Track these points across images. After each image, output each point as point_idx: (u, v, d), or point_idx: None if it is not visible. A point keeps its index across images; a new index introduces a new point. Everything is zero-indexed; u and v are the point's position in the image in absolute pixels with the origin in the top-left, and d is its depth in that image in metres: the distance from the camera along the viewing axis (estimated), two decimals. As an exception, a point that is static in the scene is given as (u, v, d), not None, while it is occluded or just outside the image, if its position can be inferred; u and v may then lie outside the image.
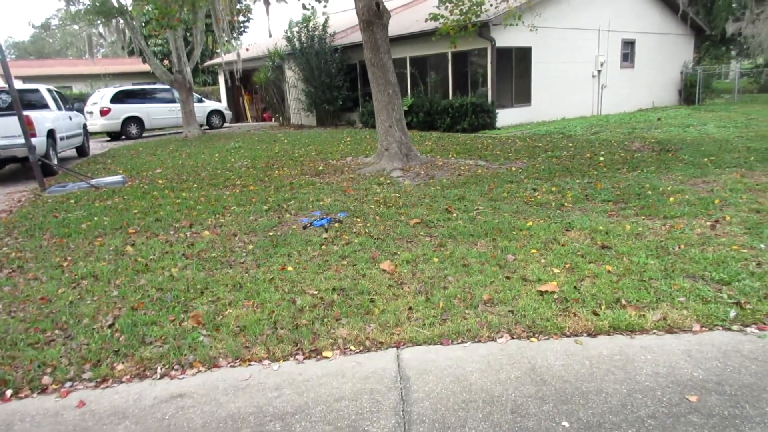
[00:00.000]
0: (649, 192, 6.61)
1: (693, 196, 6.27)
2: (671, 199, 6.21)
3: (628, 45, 20.27)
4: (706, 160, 8.61)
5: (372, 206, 6.60)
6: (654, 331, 3.24)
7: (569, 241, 4.87)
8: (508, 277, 4.07)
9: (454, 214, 6.00)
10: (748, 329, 3.20)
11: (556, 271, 4.15)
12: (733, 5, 25.14)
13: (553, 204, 6.28)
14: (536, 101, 17.33)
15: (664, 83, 22.14)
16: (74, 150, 15.31)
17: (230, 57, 23.42)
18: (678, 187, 6.80)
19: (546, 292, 3.75)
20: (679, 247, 4.54)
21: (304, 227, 5.57)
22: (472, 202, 6.52)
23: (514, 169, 8.70)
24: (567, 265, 4.25)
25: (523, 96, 17.15)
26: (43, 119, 11.74)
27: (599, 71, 19.05)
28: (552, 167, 8.64)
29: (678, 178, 7.45)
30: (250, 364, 3.11)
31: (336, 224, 5.62)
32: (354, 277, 4.28)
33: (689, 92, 22.55)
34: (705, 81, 22.64)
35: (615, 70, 19.77)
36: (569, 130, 14.29)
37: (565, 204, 6.27)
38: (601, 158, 9.32)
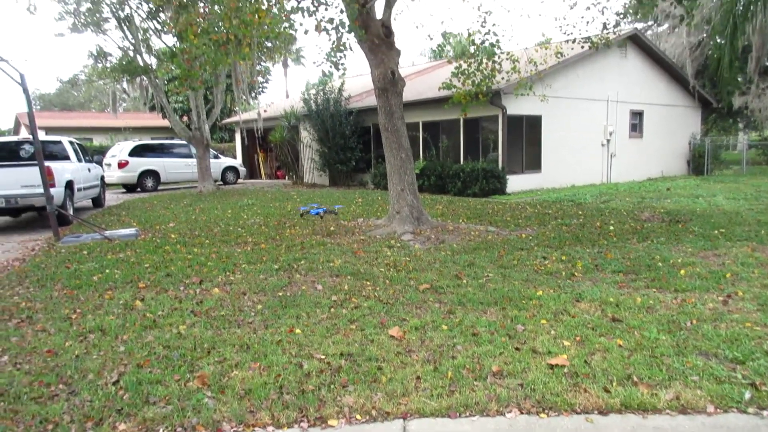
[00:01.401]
0: (660, 264, 6.59)
1: (704, 269, 6.24)
2: (682, 271, 6.18)
3: (637, 115, 20.69)
4: (716, 232, 8.60)
5: (382, 269, 6.61)
6: (667, 410, 3.16)
7: (579, 312, 4.84)
8: (517, 348, 4.03)
9: (464, 281, 6.00)
10: (765, 412, 3.12)
11: (566, 343, 4.10)
12: (739, 79, 25.75)
13: (563, 273, 6.27)
14: (546, 168, 17.56)
15: (672, 153, 22.42)
16: (90, 201, 15.59)
17: (248, 116, 24.11)
18: (689, 260, 6.77)
19: (556, 365, 3.70)
20: (691, 323, 4.49)
21: (302, 215, 5.58)
22: (482, 269, 6.53)
23: (524, 236, 8.73)
24: (577, 338, 4.20)
25: (533, 162, 17.41)
26: (63, 170, 12.04)
27: (608, 140, 19.37)
28: (562, 235, 8.67)
29: (688, 250, 7.43)
30: (253, 430, 3.06)
31: (331, 214, 5.61)
32: (362, 342, 4.25)
33: (698, 162, 22.78)
34: (713, 152, 22.91)
35: (624, 140, 20.10)
36: (579, 198, 14.39)
37: (575, 274, 6.25)
38: (611, 227, 9.34)
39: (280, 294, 5.65)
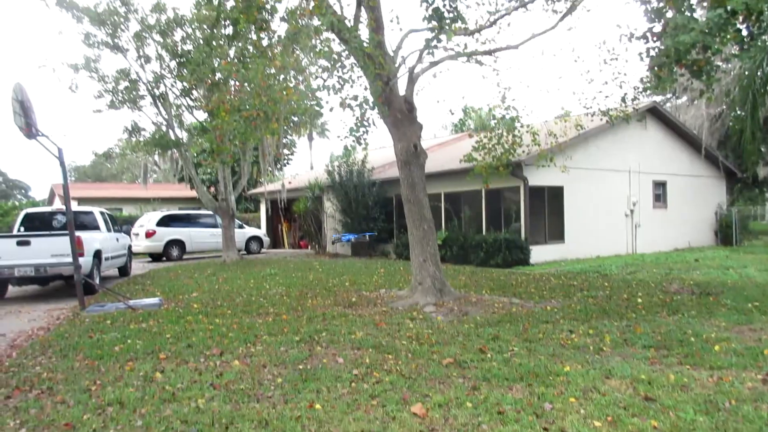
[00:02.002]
0: (692, 339, 6.36)
1: (739, 345, 5.99)
2: (717, 347, 5.94)
3: (660, 186, 20.62)
4: (750, 305, 8.32)
5: (404, 342, 6.50)
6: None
7: (610, 390, 4.65)
8: (546, 429, 3.85)
9: (489, 355, 5.84)
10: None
11: (597, 424, 3.92)
12: (762, 149, 25.65)
13: (591, 348, 6.07)
14: (570, 238, 17.42)
15: (699, 223, 22.11)
16: (117, 269, 15.83)
17: (273, 187, 24.66)
18: (723, 335, 6.52)
19: (587, 447, 3.52)
20: (730, 403, 4.27)
21: (333, 242, 5.50)
22: (507, 342, 6.37)
23: (549, 308, 8.56)
24: (609, 418, 4.02)
25: (556, 233, 17.30)
26: (92, 240, 12.34)
27: (632, 210, 19.25)
28: (588, 308, 8.47)
29: (722, 324, 7.18)
30: None
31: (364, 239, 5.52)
32: (384, 419, 4.12)
33: (726, 233, 22.37)
34: (741, 222, 22.53)
35: (648, 210, 19.95)
36: (604, 269, 14.15)
37: (604, 348, 6.06)
38: (639, 300, 9.11)
39: (301, 367, 5.56)
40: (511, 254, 15.67)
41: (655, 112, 20.28)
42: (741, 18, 5.79)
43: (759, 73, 10.16)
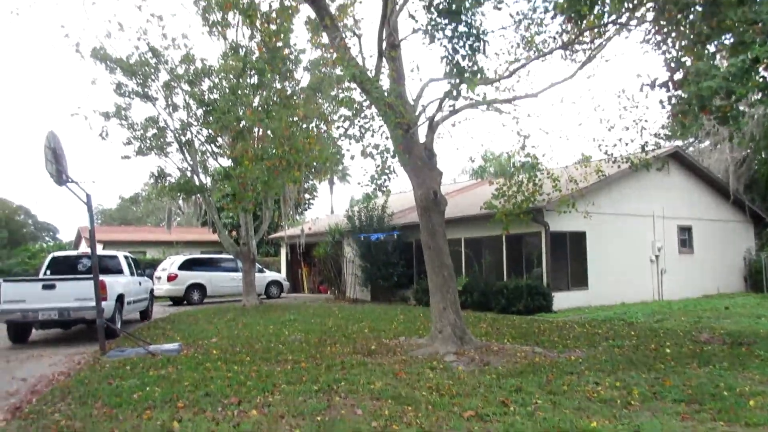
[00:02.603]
0: (726, 392, 6.11)
1: (776, 401, 5.73)
2: (751, 402, 5.69)
3: (685, 231, 20.27)
4: (785, 358, 8.00)
5: (424, 393, 6.35)
6: None
7: (640, 448, 4.46)
8: (573, 490, 3.69)
9: (511, 408, 5.67)
10: None
11: (627, 485, 3.74)
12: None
13: (619, 401, 5.86)
14: (593, 285, 17.09)
15: (727, 269, 21.56)
16: (138, 313, 15.93)
17: (293, 231, 24.84)
18: (757, 388, 6.26)
19: None
20: (769, 465, 4.05)
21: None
22: (530, 395, 6.18)
23: (573, 358, 8.33)
24: (639, 479, 3.84)
25: (579, 279, 17.01)
26: (115, 284, 12.48)
27: (657, 256, 18.89)
28: (614, 358, 8.22)
29: (756, 377, 6.90)
30: None
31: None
32: (403, 476, 3.99)
33: (756, 279, 21.75)
34: (772, 268, 21.91)
35: (673, 255, 19.56)
36: (630, 317, 13.80)
37: (632, 402, 5.84)
38: (668, 350, 8.83)
39: (319, 419, 5.45)
40: (533, 301, 15.39)
41: (677, 157, 20.13)
42: (764, 65, 5.79)
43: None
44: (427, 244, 9.72)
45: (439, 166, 10.04)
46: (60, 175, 9.88)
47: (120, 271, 13.86)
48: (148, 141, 18.02)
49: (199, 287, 21.94)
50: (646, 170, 11.48)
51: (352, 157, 8.67)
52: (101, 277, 10.69)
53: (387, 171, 8.02)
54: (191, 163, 18.74)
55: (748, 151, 22.74)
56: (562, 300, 16.17)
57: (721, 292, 20.69)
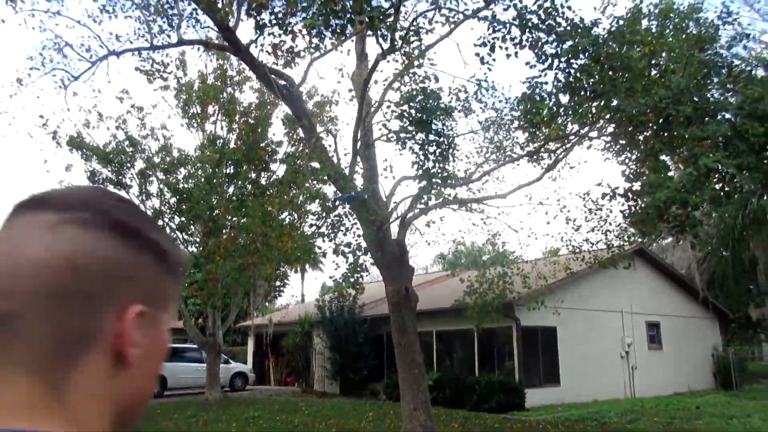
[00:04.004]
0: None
1: None
2: None
3: (653, 327, 20.48)
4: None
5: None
6: None
7: None
8: None
9: None
10: None
11: None
12: (751, 288, 25.86)
13: None
14: (565, 381, 16.91)
15: (696, 365, 21.64)
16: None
17: (261, 321, 24.32)
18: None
19: None
20: None
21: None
22: None
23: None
24: None
25: (551, 375, 16.84)
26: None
27: (627, 352, 18.92)
28: (588, 465, 8.01)
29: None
30: None
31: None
32: None
33: (725, 375, 21.81)
34: (739, 364, 22.08)
35: (643, 351, 19.62)
36: (603, 416, 13.58)
37: None
38: (642, 456, 8.65)
39: None
40: (506, 397, 15.09)
41: (642, 254, 20.70)
42: (715, 178, 6.17)
43: (739, 219, 10.58)
44: (398, 341, 9.60)
45: (411, 260, 10.14)
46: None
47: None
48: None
49: (160, 379, 20.94)
50: (613, 267, 11.77)
51: (324, 255, 8.72)
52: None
53: (359, 269, 8.06)
54: (161, 250, 18.46)
55: (709, 248, 23.56)
56: (535, 397, 15.89)
57: (691, 389, 20.62)
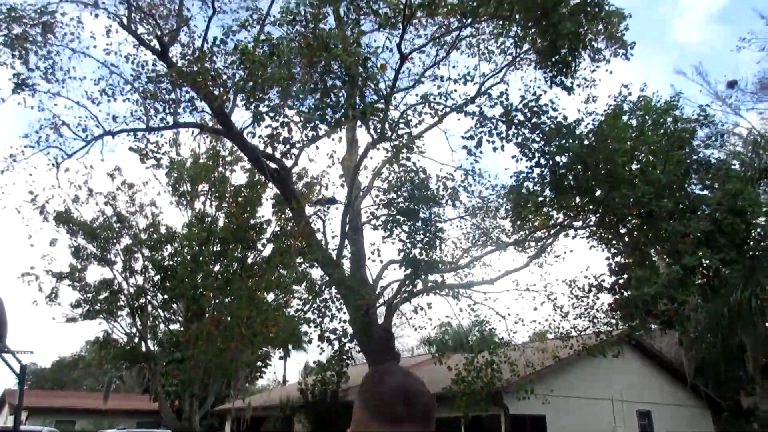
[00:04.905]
0: None
1: None
2: None
3: (645, 416, 19.93)
4: None
5: None
6: None
7: None
8: None
9: None
10: None
11: None
12: (741, 375, 25.47)
13: None
14: (557, 474, 16.21)
15: (692, 458, 20.94)
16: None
17: (240, 404, 23.34)
18: None
19: None
20: None
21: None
22: None
23: None
24: None
25: (542, 469, 16.15)
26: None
27: (619, 442, 18.30)
28: None
29: None
30: None
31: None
32: None
33: (721, 469, 21.07)
34: (736, 457, 21.37)
35: (635, 442, 19.00)
36: None
37: None
38: None
39: None
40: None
41: (631, 340, 20.50)
42: (700, 275, 6.24)
43: (725, 311, 10.59)
44: None
45: (397, 340, 9.95)
46: (-3, 345, 9.30)
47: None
48: (99, 304, 17.43)
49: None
50: (602, 355, 11.60)
51: (310, 341, 8.54)
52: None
53: (344, 356, 7.87)
54: (141, 328, 18.02)
55: (697, 334, 23.44)
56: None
57: (687, 484, 19.83)
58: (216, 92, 8.00)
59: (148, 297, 18.06)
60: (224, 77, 8.17)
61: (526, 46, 9.53)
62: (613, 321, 10.05)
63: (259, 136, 7.89)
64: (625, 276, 6.88)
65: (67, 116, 10.70)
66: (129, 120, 10.63)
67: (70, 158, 11.14)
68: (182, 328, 16.68)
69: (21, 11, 8.88)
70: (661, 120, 9.33)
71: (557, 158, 6.86)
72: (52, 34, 9.45)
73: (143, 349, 17.97)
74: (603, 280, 6.90)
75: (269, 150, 8.51)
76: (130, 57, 10.44)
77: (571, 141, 6.72)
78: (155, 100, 9.25)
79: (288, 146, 7.53)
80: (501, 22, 8.98)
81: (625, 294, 6.85)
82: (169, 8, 10.11)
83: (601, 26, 9.00)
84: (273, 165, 9.85)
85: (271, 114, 6.70)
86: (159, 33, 9.63)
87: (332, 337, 7.84)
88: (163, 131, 11.88)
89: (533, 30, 8.07)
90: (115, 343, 17.95)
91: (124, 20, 9.73)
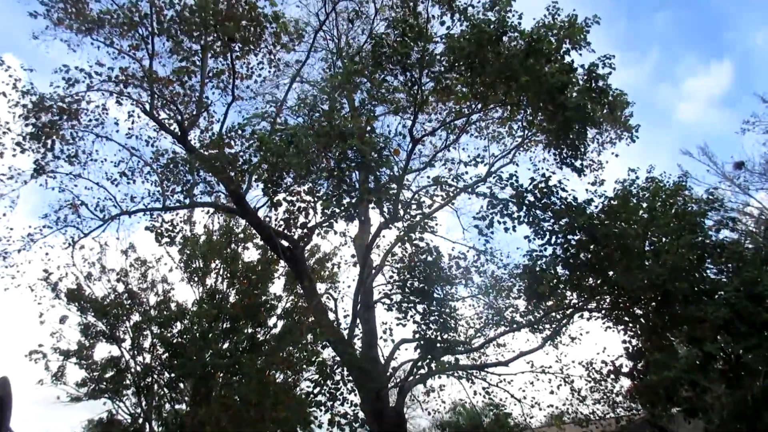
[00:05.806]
0: None
1: None
2: None
3: None
4: None
5: None
6: None
7: None
8: None
9: None
10: None
11: None
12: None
13: None
14: None
15: None
16: None
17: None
18: None
19: None
20: None
21: None
22: None
23: None
24: None
25: None
26: None
27: None
28: None
29: None
30: None
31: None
32: None
33: None
34: None
35: None
36: None
37: None
38: None
39: None
40: None
41: (653, 425, 19.60)
42: (720, 361, 6.09)
43: (749, 398, 10.16)
44: None
45: (408, 422, 9.56)
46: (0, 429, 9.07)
47: None
48: (105, 383, 17.05)
49: None
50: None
51: (320, 425, 8.29)
52: None
53: (356, 444, 7.60)
54: (146, 409, 17.52)
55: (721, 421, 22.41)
56: None
57: None
58: (232, 174, 8.20)
59: (155, 376, 17.69)
60: (241, 161, 8.40)
61: (534, 129, 9.81)
62: (633, 405, 9.70)
63: (275, 219, 7.99)
64: (643, 361, 6.72)
65: (85, 196, 10.88)
66: (146, 199, 10.81)
67: (86, 237, 11.25)
68: (188, 409, 16.21)
69: (50, 100, 9.26)
70: (671, 200, 9.39)
71: (569, 236, 6.89)
72: (78, 121, 9.83)
73: (147, 431, 17.38)
74: (621, 364, 6.74)
75: (285, 231, 8.60)
76: (150, 140, 10.83)
77: (581, 219, 6.78)
78: (174, 183, 9.47)
79: (305, 231, 7.60)
80: (510, 108, 9.28)
81: (645, 378, 6.65)
82: (190, 95, 10.55)
83: (606, 110, 9.25)
84: (286, 243, 9.92)
85: (289, 199, 6.84)
86: (179, 118, 9.99)
87: (343, 422, 7.59)
88: (178, 210, 12.06)
89: (541, 115, 8.32)
90: (119, 425, 17.40)
91: (147, 106, 10.13)
